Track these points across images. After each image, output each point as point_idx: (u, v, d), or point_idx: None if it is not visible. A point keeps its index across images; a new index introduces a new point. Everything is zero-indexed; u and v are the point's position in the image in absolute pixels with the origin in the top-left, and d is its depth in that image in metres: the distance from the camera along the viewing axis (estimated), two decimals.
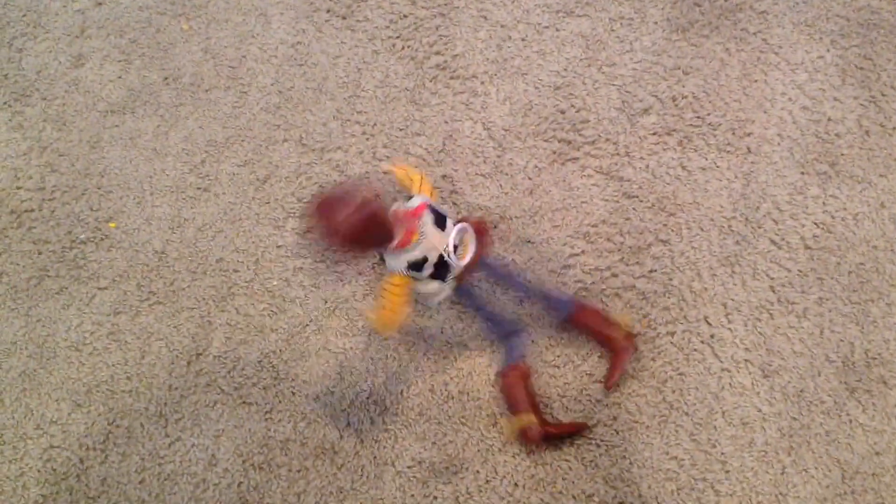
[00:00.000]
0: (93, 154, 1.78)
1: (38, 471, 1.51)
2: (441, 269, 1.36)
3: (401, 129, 1.74)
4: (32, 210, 1.73)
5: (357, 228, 1.20)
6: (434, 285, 1.39)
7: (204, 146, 1.76)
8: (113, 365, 1.58)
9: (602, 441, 1.45)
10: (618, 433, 1.46)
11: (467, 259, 1.37)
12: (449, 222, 1.37)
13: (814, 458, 1.41)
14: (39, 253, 1.69)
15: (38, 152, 1.79)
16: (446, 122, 1.73)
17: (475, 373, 1.52)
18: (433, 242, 1.33)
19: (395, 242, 1.30)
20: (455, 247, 1.35)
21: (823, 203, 1.58)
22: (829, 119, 1.63)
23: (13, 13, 1.96)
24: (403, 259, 1.33)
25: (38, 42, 1.91)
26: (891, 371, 1.45)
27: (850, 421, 1.43)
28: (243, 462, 1.48)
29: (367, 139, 1.73)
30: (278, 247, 1.66)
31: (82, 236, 1.70)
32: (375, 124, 1.74)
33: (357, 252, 1.36)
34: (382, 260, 1.37)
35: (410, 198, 1.38)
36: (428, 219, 1.33)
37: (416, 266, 1.34)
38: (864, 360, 1.47)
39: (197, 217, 1.70)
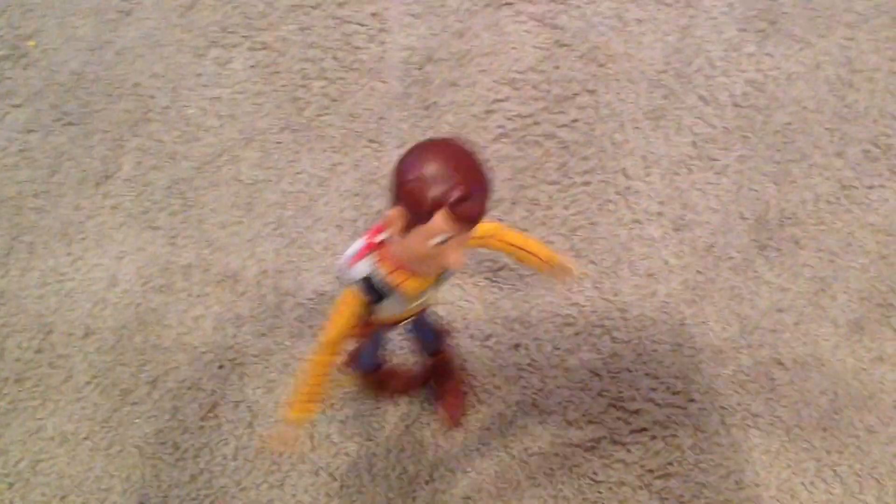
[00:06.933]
0: None
1: None
2: None
3: None
4: None
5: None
6: None
7: None
8: (21, 182, 1.55)
9: (505, 284, 1.43)
10: (521, 278, 1.43)
11: None
12: None
13: (715, 311, 1.38)
14: None
15: None
16: None
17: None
18: None
19: None
20: None
21: (758, 61, 1.53)
22: None
23: None
24: None
25: None
26: (804, 231, 1.42)
27: (757, 277, 1.40)
28: (143, 284, 1.46)
29: None
30: (198, 75, 1.61)
31: (0, 53, 1.66)
32: None
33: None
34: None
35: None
36: None
37: None
38: (778, 218, 1.43)
39: (117, 40, 1.65)
